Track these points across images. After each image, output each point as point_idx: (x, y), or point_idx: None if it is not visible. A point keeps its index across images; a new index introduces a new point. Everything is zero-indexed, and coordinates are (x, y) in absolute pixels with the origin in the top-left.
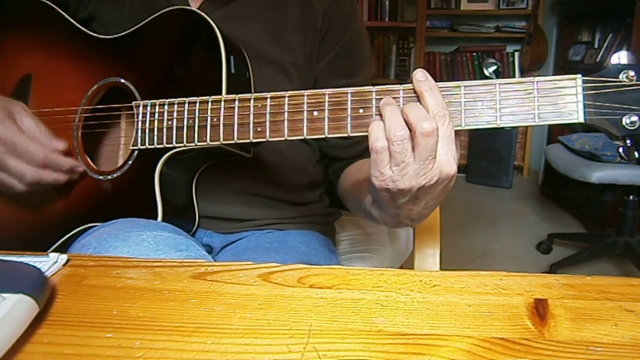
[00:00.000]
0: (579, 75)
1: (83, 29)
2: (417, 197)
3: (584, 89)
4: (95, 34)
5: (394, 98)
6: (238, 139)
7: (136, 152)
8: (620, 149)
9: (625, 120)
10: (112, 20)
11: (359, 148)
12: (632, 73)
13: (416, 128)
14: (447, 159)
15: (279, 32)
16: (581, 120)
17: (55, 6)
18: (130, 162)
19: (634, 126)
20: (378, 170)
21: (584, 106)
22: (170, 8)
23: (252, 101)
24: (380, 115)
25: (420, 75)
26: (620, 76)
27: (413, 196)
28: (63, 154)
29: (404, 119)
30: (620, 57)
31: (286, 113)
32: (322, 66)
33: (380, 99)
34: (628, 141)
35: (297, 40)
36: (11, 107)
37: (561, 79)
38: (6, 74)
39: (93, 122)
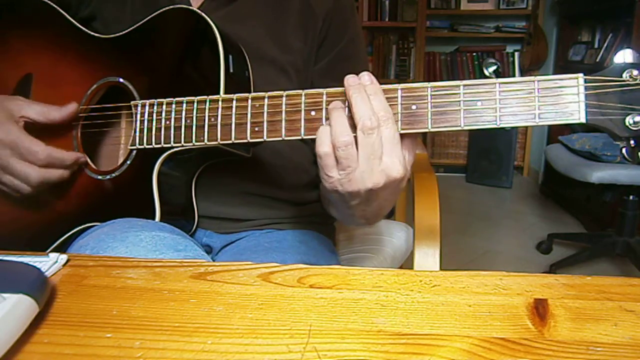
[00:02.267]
0: (580, 75)
1: (83, 28)
2: (367, 199)
3: (586, 88)
4: (95, 34)
5: (390, 97)
6: (236, 138)
7: (134, 151)
8: (624, 150)
9: (629, 120)
10: (113, 19)
11: None
12: (635, 72)
13: (358, 124)
14: (392, 162)
15: (280, 33)
16: (583, 120)
17: (56, 6)
18: (128, 162)
19: (637, 126)
20: (325, 173)
21: (586, 106)
22: (169, 7)
23: (249, 101)
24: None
25: (365, 79)
26: (624, 75)
27: (364, 198)
28: (65, 150)
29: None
30: (625, 56)
31: (284, 113)
32: (318, 69)
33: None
34: (632, 141)
35: (297, 41)
36: (10, 106)
37: (562, 79)
38: (7, 73)
39: (92, 121)
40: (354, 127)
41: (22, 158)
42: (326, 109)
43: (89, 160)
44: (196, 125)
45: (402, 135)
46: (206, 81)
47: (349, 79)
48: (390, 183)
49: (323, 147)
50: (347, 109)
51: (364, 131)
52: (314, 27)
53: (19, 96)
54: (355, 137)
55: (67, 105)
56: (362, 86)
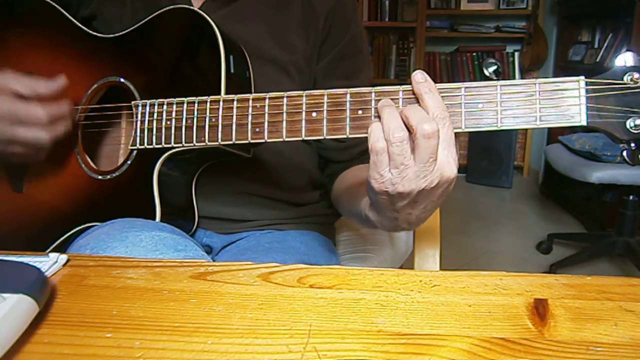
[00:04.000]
0: (582, 77)
1: (84, 28)
2: (416, 201)
3: (587, 91)
4: (95, 33)
5: (393, 99)
6: (236, 139)
7: (135, 152)
8: (624, 153)
9: (630, 123)
10: (113, 19)
11: (354, 151)
12: (636, 75)
13: (417, 130)
14: (447, 162)
15: (281, 32)
16: (584, 123)
17: (56, 5)
18: (129, 162)
19: (638, 129)
20: (377, 172)
21: (587, 109)
22: (170, 7)
23: (250, 101)
24: (379, 116)
25: (419, 77)
26: (625, 78)
27: (412, 200)
28: (62, 98)
29: (404, 121)
30: (626, 59)
31: (285, 114)
32: (320, 67)
33: (380, 100)
34: (632, 144)
35: (299, 41)
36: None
37: (564, 81)
38: None
39: (93, 121)
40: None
41: (25, 124)
42: (327, 110)
43: (89, 161)
44: (197, 126)
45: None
46: (207, 81)
47: (417, 76)
48: (442, 183)
49: (379, 142)
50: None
51: (425, 136)
52: (315, 26)
53: (7, 68)
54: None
55: (56, 78)
56: (431, 84)
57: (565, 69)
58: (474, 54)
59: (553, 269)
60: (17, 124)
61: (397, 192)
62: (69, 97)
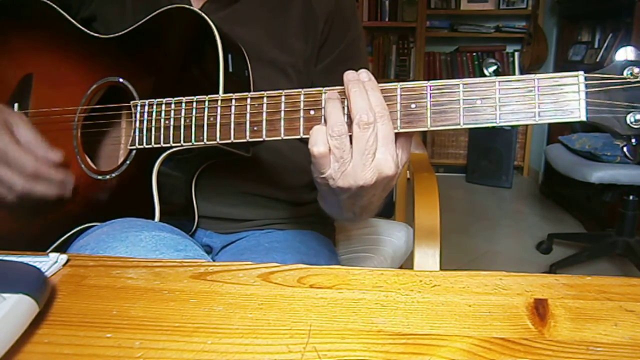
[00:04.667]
0: (581, 72)
1: (83, 28)
2: (357, 194)
3: (586, 86)
4: (95, 34)
5: (389, 97)
6: (235, 138)
7: (134, 151)
8: (625, 148)
9: (630, 118)
10: (113, 19)
11: None
12: (637, 70)
13: (354, 118)
14: (385, 159)
15: (281, 34)
16: (583, 118)
17: (56, 6)
18: (128, 162)
19: (639, 124)
20: (318, 170)
21: (586, 104)
22: (168, 7)
23: (248, 100)
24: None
25: (364, 76)
26: (625, 73)
27: (353, 193)
28: (56, 166)
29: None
30: (627, 53)
31: (283, 112)
32: (319, 69)
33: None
34: (633, 140)
35: (298, 42)
36: (8, 117)
37: (563, 76)
38: (7, 73)
39: (92, 121)
40: (349, 122)
41: (9, 166)
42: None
43: (89, 161)
44: (195, 125)
45: (396, 134)
46: (206, 81)
47: (348, 75)
48: (381, 180)
49: (318, 146)
50: (343, 103)
51: (360, 125)
52: (315, 28)
53: (23, 114)
54: (350, 133)
55: (55, 150)
56: (361, 82)
57: (565, 69)
58: (474, 54)
59: (553, 269)
60: (2, 162)
61: (337, 186)
62: (62, 161)
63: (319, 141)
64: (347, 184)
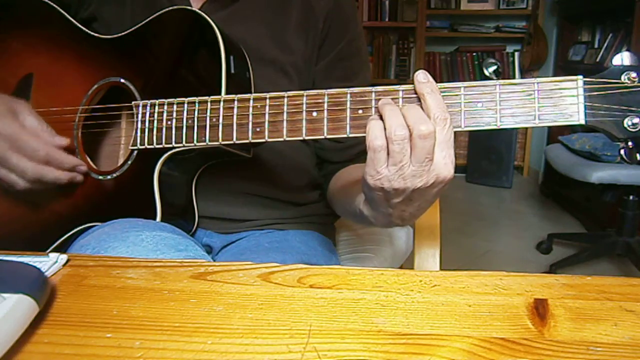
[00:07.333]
0: (580, 77)
1: (84, 28)
2: (411, 199)
3: (585, 90)
4: (96, 34)
5: (393, 99)
6: (237, 139)
7: (135, 152)
8: (622, 151)
9: (627, 122)
10: (113, 20)
11: (352, 152)
12: (634, 74)
13: (413, 130)
14: (444, 163)
15: (281, 34)
16: (582, 122)
17: (56, 6)
18: (129, 162)
19: (635, 128)
20: (374, 169)
21: (585, 107)
22: (170, 8)
23: (251, 101)
24: (380, 115)
25: (421, 77)
26: (622, 77)
27: (407, 197)
28: (65, 152)
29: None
30: (624, 58)
31: (285, 113)
32: (319, 68)
33: (380, 99)
34: (630, 143)
35: (298, 42)
36: (14, 105)
37: (562, 80)
38: (7, 73)
39: (93, 121)
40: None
41: (21, 152)
42: (328, 110)
43: (89, 161)
44: (197, 126)
45: None
46: (208, 81)
47: (419, 75)
48: (438, 183)
49: (377, 140)
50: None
51: (431, 130)
52: (314, 27)
53: (26, 102)
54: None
55: (62, 136)
56: (433, 84)
57: (565, 69)
58: (474, 54)
59: (553, 269)
60: (13, 148)
61: (392, 189)
62: (72, 148)
63: (378, 135)
64: (403, 186)
